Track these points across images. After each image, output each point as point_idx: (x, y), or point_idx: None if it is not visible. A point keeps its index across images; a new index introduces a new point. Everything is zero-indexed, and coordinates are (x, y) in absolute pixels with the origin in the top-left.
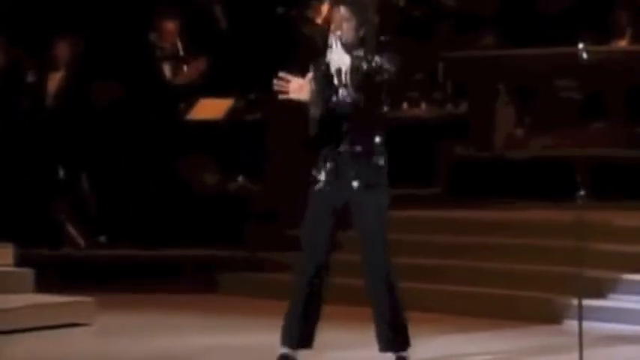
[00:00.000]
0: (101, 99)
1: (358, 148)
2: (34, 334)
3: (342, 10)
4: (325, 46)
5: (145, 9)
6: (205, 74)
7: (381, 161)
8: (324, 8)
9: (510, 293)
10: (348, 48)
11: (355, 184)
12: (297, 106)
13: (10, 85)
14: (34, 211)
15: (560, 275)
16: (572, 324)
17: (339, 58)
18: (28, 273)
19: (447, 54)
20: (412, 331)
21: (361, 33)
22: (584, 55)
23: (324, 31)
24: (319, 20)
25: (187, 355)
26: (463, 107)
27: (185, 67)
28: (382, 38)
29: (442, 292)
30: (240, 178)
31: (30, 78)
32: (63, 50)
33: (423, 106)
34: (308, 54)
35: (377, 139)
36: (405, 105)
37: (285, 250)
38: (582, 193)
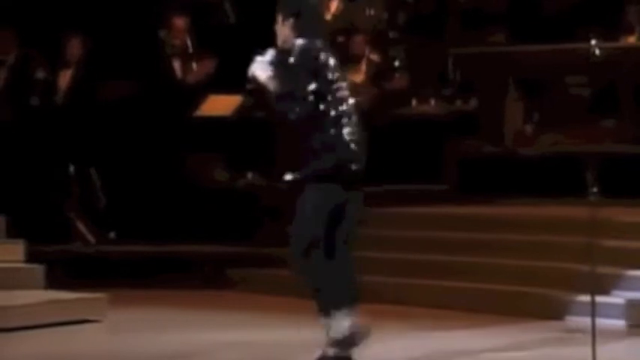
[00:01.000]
0: (111, 96)
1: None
2: (45, 330)
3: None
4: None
5: (154, 6)
6: (213, 74)
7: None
8: (333, 5)
9: (517, 289)
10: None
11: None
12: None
13: (19, 82)
14: (45, 208)
15: (567, 272)
16: (576, 320)
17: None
18: (38, 269)
19: (456, 50)
20: (417, 326)
21: (288, 24)
22: (597, 52)
23: (331, 26)
24: (328, 16)
25: (198, 351)
26: (472, 104)
27: (195, 65)
28: (391, 35)
29: (449, 288)
30: (250, 175)
31: (40, 75)
32: (73, 47)
33: (432, 102)
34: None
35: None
36: (414, 101)
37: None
38: (595, 190)
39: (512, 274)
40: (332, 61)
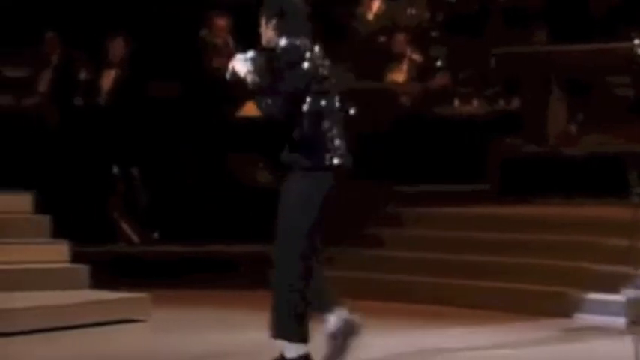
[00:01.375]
0: (154, 96)
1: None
2: (90, 330)
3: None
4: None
5: (196, 5)
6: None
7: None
8: (374, 4)
9: (557, 290)
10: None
11: None
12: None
13: (64, 83)
14: (89, 208)
15: (608, 272)
16: (620, 321)
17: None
18: (83, 269)
19: (498, 49)
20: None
21: (271, 26)
22: None
23: (372, 26)
24: (370, 16)
25: (240, 351)
26: (515, 103)
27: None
28: (433, 34)
29: (490, 288)
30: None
31: (83, 75)
32: (116, 47)
33: (475, 102)
34: (359, 49)
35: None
36: (456, 102)
37: (336, 245)
38: (637, 190)
39: (553, 274)
40: (317, 60)
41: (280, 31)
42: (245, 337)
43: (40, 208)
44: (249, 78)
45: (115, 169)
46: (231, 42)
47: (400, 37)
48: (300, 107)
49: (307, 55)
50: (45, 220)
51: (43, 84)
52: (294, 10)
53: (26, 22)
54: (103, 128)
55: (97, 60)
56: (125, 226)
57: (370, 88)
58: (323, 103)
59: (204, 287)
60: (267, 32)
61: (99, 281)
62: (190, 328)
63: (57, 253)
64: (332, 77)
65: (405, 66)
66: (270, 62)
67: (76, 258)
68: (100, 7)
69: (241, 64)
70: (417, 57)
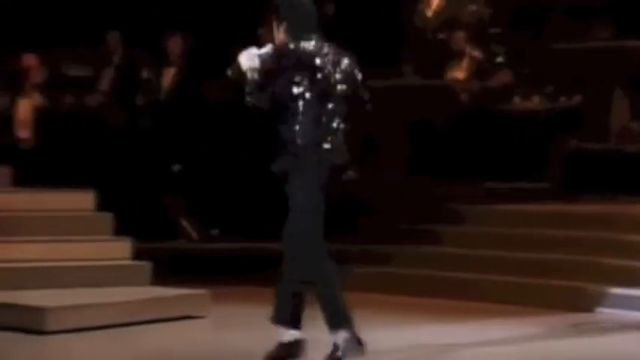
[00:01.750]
0: (213, 94)
1: None
2: (151, 326)
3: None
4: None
5: (254, 3)
6: None
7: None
8: (434, 1)
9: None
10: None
11: None
12: (406, 98)
13: (126, 82)
14: (150, 206)
15: None
16: None
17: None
18: (145, 266)
19: (561, 46)
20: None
21: (282, 29)
22: None
23: (432, 23)
24: (429, 13)
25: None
26: (576, 100)
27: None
28: (493, 31)
29: (546, 286)
30: (351, 172)
31: (145, 74)
32: (175, 46)
33: (535, 99)
34: (419, 46)
35: None
36: (516, 98)
37: (397, 242)
38: None
39: (611, 273)
40: (320, 61)
41: (291, 34)
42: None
43: (102, 205)
44: (249, 74)
45: (176, 167)
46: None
47: (460, 34)
48: (289, 108)
49: (317, 61)
50: (107, 218)
51: (105, 83)
52: (305, 12)
53: (88, 21)
54: (163, 126)
55: (158, 58)
56: (185, 224)
57: (430, 85)
58: (324, 104)
59: (263, 284)
60: (280, 35)
61: (160, 278)
62: (249, 324)
63: (119, 251)
64: (342, 77)
65: (464, 63)
66: (276, 63)
67: (137, 255)
68: (160, 6)
69: (247, 59)
70: (477, 54)
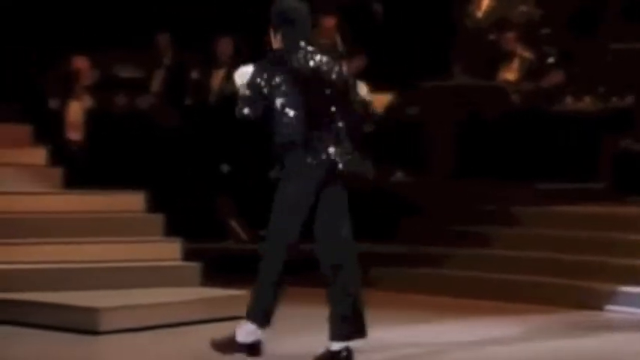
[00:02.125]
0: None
1: None
2: (201, 326)
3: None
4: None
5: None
6: (363, 70)
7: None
8: (484, 2)
9: None
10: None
11: None
12: (456, 99)
13: (175, 83)
14: (200, 206)
15: None
16: None
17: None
18: (195, 267)
19: (615, 46)
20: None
21: (279, 39)
22: None
23: (482, 24)
24: (480, 14)
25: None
26: (628, 100)
27: (344, 64)
28: (544, 31)
29: (600, 289)
30: (399, 173)
31: (194, 75)
32: (225, 48)
33: (587, 99)
34: (469, 47)
35: None
36: (568, 99)
37: (442, 244)
38: None
39: None
40: (309, 70)
41: (286, 41)
42: None
43: (153, 206)
44: (241, 90)
45: (225, 168)
46: (339, 43)
47: (510, 35)
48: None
49: (305, 70)
50: (157, 219)
51: (156, 84)
52: (300, 19)
53: (138, 23)
54: (213, 127)
55: (208, 60)
56: (234, 224)
57: (480, 85)
58: (314, 114)
59: (310, 285)
60: (276, 43)
61: (209, 279)
62: (294, 325)
63: (169, 251)
64: (331, 87)
65: (515, 64)
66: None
67: (187, 256)
68: (209, 8)
69: (239, 76)
70: (527, 55)
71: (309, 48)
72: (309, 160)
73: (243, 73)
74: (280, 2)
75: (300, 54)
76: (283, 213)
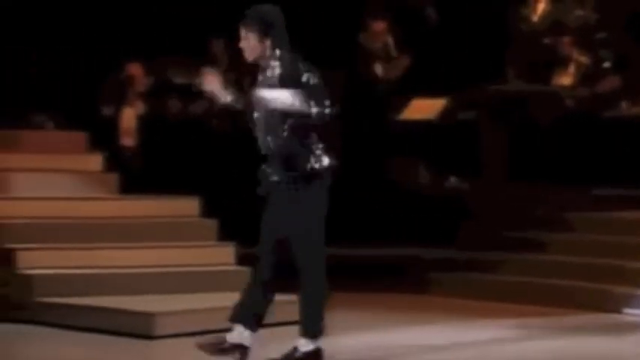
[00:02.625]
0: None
1: None
2: (258, 332)
3: (241, 31)
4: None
5: (353, 9)
6: (408, 70)
7: None
8: (539, 6)
9: None
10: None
11: None
12: (510, 103)
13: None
14: (253, 211)
15: None
16: None
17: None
18: (249, 272)
19: None
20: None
21: (267, 44)
22: None
23: (537, 27)
24: (535, 17)
25: (402, 355)
26: None
27: (392, 67)
28: (600, 35)
29: None
30: (453, 178)
31: (247, 80)
32: None
33: None
34: (524, 51)
35: None
36: (623, 104)
37: (499, 250)
38: None
39: None
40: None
41: (274, 45)
42: (403, 341)
43: (207, 211)
44: (297, 103)
45: None
46: (391, 45)
47: (566, 39)
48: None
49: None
50: (211, 224)
51: None
52: (281, 22)
53: (193, 28)
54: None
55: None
56: None
57: (535, 90)
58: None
59: (366, 290)
60: (260, 48)
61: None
62: (353, 330)
63: (223, 256)
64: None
65: (571, 69)
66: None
67: (241, 260)
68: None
69: (285, 98)
70: (583, 59)
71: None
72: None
73: (282, 94)
74: (261, 7)
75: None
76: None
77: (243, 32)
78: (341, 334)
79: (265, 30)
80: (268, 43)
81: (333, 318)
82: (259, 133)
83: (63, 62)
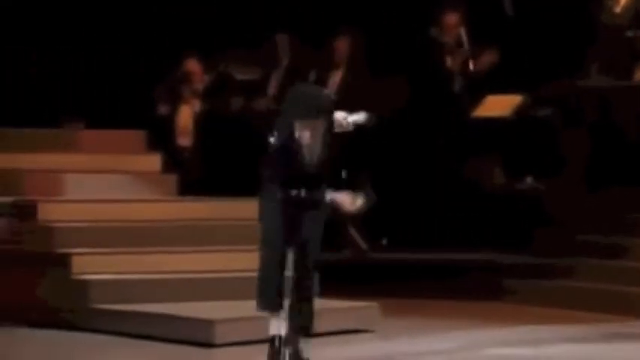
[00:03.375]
0: (382, 96)
1: None
2: (319, 339)
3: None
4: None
5: (425, 2)
6: (493, 68)
7: None
8: None
9: None
10: None
11: None
12: (592, 100)
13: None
14: None
15: None
16: None
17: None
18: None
19: None
20: None
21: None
22: None
23: (619, 20)
24: (618, 9)
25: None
26: None
27: (471, 62)
28: None
29: None
30: (529, 179)
31: (312, 76)
32: (342, 48)
33: None
34: (607, 45)
35: None
36: None
37: (576, 255)
38: None
39: None
40: None
41: None
42: (478, 352)
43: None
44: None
45: (343, 173)
46: (464, 39)
47: None
48: None
49: None
50: None
51: (274, 86)
52: None
53: (256, 23)
54: None
55: (324, 60)
56: (353, 233)
57: (618, 86)
58: None
59: (433, 296)
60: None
61: (327, 289)
62: (416, 337)
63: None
64: None
65: None
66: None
67: None
68: (328, 7)
69: (353, 119)
70: None
71: None
72: None
73: (347, 117)
74: None
75: None
76: None
77: None
78: (404, 339)
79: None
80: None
81: (395, 324)
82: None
83: (113, 61)
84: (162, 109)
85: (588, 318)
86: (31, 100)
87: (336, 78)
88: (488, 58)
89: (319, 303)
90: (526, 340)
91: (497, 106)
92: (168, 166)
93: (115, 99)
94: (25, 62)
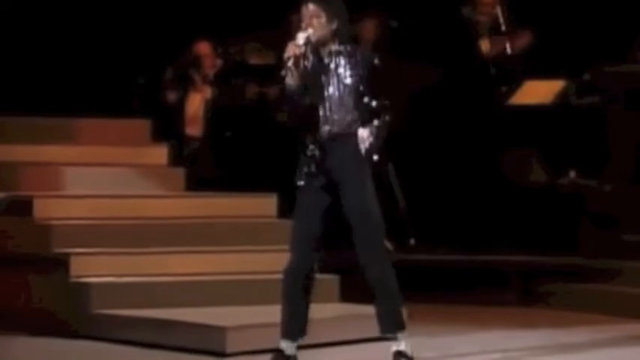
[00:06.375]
0: (411, 83)
1: None
2: (341, 348)
3: (311, 7)
4: None
5: None
6: (530, 51)
7: None
8: None
9: None
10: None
11: None
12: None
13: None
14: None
15: None
16: None
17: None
18: (333, 280)
19: None
20: None
21: (333, 27)
22: None
23: None
24: None
25: None
26: None
27: (507, 44)
28: None
29: None
30: (572, 174)
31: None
32: (368, 30)
33: None
34: None
35: None
36: None
37: (624, 258)
38: None
39: None
40: None
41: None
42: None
43: (285, 211)
44: None
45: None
46: (501, 19)
47: None
48: None
49: None
50: (289, 226)
51: None
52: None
53: (270, 5)
54: None
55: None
56: None
57: None
58: None
59: (465, 301)
60: (318, 28)
61: (350, 294)
62: (442, 347)
63: None
64: None
65: None
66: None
67: (324, 267)
68: None
69: None
70: None
71: None
72: None
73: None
74: None
75: None
76: None
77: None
78: (431, 347)
79: (332, 14)
80: (333, 27)
81: (423, 331)
82: None
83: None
84: (170, 97)
85: (634, 325)
86: (30, 85)
87: None
88: (524, 39)
89: (343, 309)
90: (562, 344)
91: (537, 92)
92: (176, 159)
93: (118, 85)
94: (24, 43)
